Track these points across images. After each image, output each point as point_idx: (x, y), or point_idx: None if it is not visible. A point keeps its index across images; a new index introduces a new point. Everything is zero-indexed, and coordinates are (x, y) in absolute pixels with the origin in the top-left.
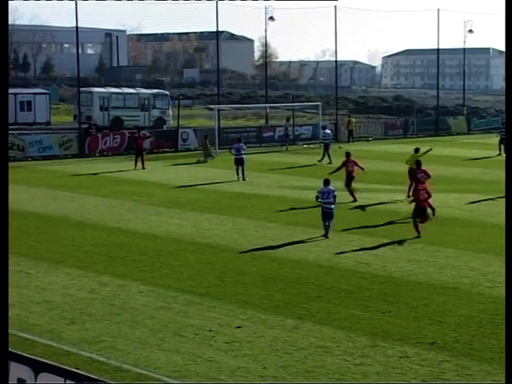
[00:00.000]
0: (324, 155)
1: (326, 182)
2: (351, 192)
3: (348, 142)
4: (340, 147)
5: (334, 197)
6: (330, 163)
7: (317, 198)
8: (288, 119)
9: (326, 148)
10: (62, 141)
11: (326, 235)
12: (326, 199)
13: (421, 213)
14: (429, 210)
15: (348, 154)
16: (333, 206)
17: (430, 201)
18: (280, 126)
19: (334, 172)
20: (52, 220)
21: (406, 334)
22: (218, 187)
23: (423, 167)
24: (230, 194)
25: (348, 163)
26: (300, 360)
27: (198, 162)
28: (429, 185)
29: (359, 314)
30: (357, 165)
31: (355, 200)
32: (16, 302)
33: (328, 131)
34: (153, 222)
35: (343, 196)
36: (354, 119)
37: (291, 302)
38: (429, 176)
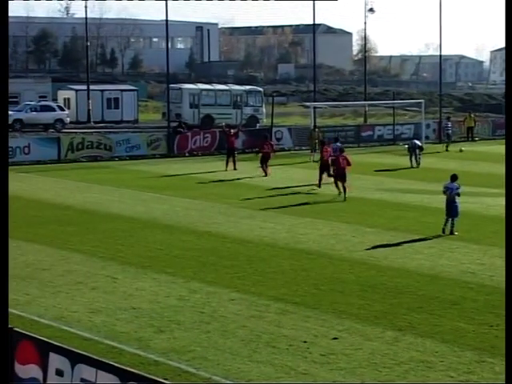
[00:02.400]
0: (413, 158)
1: (454, 178)
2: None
3: (468, 140)
4: (461, 150)
5: (458, 194)
6: (417, 167)
7: (444, 192)
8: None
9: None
10: (150, 140)
11: (450, 232)
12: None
13: None
14: None
15: (341, 150)
16: (457, 202)
17: None
18: (380, 125)
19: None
20: (139, 223)
21: None
22: (313, 189)
23: None
24: (327, 196)
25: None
26: (400, 375)
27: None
28: None
29: (464, 326)
30: (347, 161)
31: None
32: (102, 309)
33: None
34: (245, 225)
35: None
36: (473, 115)
37: (391, 313)
38: None
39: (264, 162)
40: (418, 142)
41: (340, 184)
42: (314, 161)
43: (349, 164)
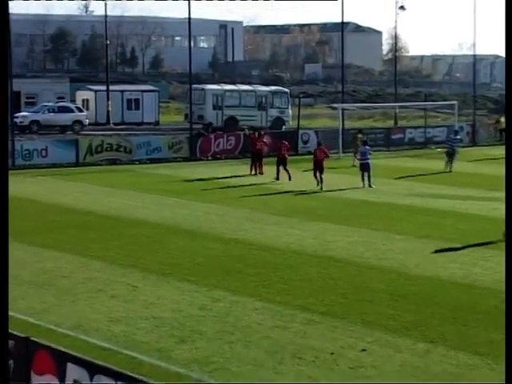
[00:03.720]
0: (450, 161)
1: None
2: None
3: (500, 143)
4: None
5: None
6: (450, 171)
7: None
8: (498, 121)
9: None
10: (172, 142)
11: None
12: None
13: None
14: None
15: (319, 143)
16: None
17: None
18: (411, 128)
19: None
20: (162, 228)
21: None
22: (341, 194)
23: None
24: (355, 202)
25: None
26: None
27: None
28: None
29: (499, 338)
30: (324, 152)
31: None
32: (122, 318)
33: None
34: (271, 232)
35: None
36: (502, 119)
37: (422, 324)
38: None
39: (282, 165)
40: (456, 146)
41: (318, 175)
42: (354, 165)
43: (326, 156)
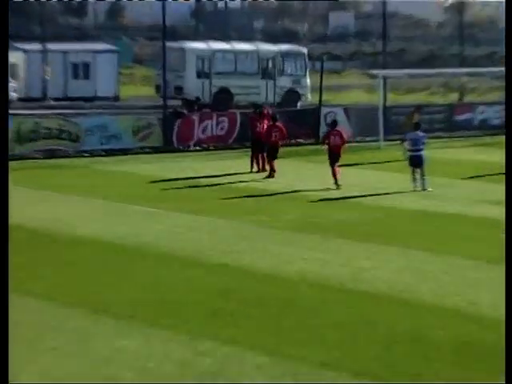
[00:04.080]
0: None
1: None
2: None
3: None
4: None
5: None
6: None
7: None
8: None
9: None
10: (138, 126)
11: None
12: None
13: None
14: None
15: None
16: None
17: None
18: (483, 104)
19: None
20: (123, 251)
21: None
22: (381, 200)
23: None
24: (403, 212)
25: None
26: None
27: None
28: None
29: None
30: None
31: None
32: (65, 379)
33: None
34: (279, 255)
35: None
36: None
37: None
38: None
39: (270, 157)
40: None
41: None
42: (402, 158)
43: (343, 142)
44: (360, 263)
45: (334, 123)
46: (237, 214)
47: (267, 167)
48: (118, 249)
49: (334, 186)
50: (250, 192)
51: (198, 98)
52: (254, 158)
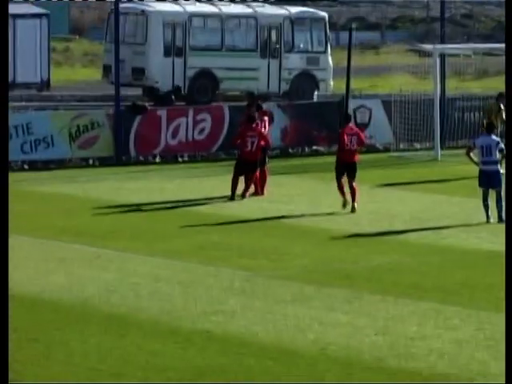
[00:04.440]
0: None
1: None
2: None
3: None
4: None
5: None
6: None
7: None
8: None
9: None
10: (77, 127)
11: None
12: None
13: None
14: None
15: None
16: None
17: None
18: None
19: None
20: (55, 310)
21: None
22: (436, 238)
23: None
24: (469, 255)
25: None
26: None
27: None
28: None
29: None
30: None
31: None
32: None
33: None
34: (286, 318)
35: None
36: None
37: None
38: None
39: (241, 172)
40: None
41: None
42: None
43: (361, 143)
44: (406, 330)
45: (348, 118)
46: (223, 257)
47: (266, 190)
48: (49, 308)
49: (342, 208)
50: (243, 224)
51: (177, 89)
52: (237, 172)
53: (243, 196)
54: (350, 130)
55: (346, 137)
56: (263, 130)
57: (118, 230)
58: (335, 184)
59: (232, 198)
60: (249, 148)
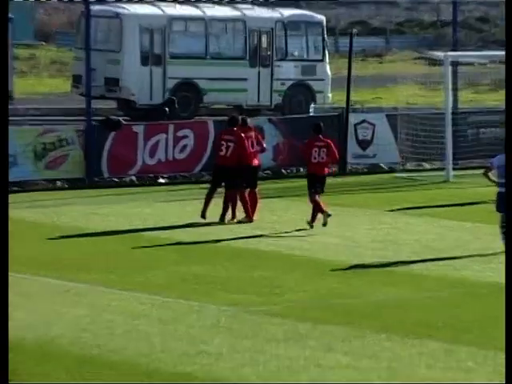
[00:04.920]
0: None
1: None
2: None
3: None
4: None
5: None
6: None
7: None
8: None
9: None
10: (44, 145)
11: None
12: None
13: None
14: None
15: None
16: None
17: None
18: None
19: None
20: (22, 353)
21: None
22: (448, 270)
23: None
24: (485, 288)
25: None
26: None
27: None
28: None
29: None
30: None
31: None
32: None
33: None
34: (278, 358)
35: None
36: None
37: None
38: None
39: (216, 181)
40: None
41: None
42: (488, 200)
43: (334, 158)
44: (413, 373)
45: (318, 128)
46: (207, 291)
47: (256, 215)
48: (14, 350)
49: (307, 226)
50: (229, 254)
51: (171, 100)
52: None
53: (221, 220)
54: (321, 141)
55: (313, 148)
56: (251, 149)
57: (89, 260)
58: (331, 208)
59: (202, 215)
60: (223, 152)
